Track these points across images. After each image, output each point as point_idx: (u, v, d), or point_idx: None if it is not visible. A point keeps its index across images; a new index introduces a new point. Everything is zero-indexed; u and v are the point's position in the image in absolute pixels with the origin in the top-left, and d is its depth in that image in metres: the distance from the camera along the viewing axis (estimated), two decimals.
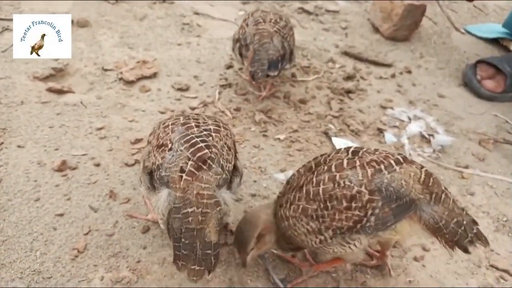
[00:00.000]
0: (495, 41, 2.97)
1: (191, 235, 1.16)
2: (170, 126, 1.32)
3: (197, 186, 1.20)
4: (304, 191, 1.22)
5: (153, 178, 1.27)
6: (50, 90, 2.00)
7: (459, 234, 1.20)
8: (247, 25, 2.06)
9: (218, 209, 1.20)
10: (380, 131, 2.08)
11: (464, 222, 1.21)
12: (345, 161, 1.22)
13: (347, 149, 1.28)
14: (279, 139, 1.95)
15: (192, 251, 1.16)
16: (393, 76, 2.50)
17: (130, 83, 2.11)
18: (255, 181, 1.74)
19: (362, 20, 3.00)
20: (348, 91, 2.30)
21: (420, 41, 2.88)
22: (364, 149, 1.27)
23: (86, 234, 1.45)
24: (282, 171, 1.79)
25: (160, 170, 1.24)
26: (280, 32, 2.01)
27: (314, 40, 2.73)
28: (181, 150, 1.24)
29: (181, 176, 1.20)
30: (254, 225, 1.28)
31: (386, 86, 2.41)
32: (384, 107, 2.24)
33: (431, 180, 1.21)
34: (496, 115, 2.33)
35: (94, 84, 2.09)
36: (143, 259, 1.39)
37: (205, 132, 1.30)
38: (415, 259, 1.51)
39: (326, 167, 1.23)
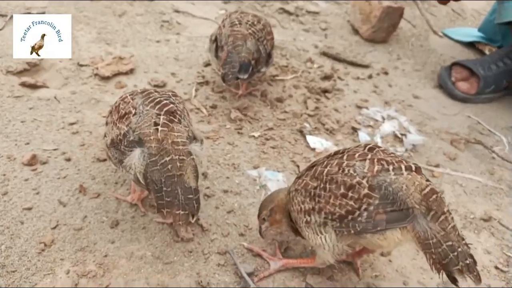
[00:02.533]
0: (471, 45, 3.04)
1: (172, 182, 1.23)
2: (129, 97, 1.41)
3: (171, 135, 1.28)
4: (313, 169, 1.29)
5: (120, 149, 1.32)
6: (23, 84, 1.98)
7: (448, 258, 1.14)
8: (223, 26, 2.06)
9: (191, 157, 1.29)
10: (354, 130, 2.11)
11: (459, 250, 1.15)
12: (358, 153, 1.25)
13: (366, 144, 1.31)
14: (254, 136, 1.97)
15: (174, 197, 1.22)
16: (370, 77, 2.54)
17: (105, 79, 2.10)
18: (227, 178, 1.74)
19: (342, 22, 3.04)
20: (325, 91, 2.33)
21: (398, 43, 2.93)
22: (383, 149, 1.29)
23: (54, 228, 1.44)
24: (255, 168, 1.81)
25: (128, 136, 1.29)
26: (255, 35, 1.99)
27: (294, 40, 2.75)
28: (147, 110, 1.32)
29: (157, 129, 1.27)
30: (270, 200, 1.42)
31: (362, 87, 2.45)
32: (359, 107, 2.28)
33: (434, 196, 1.17)
34: (469, 116, 2.38)
35: (69, 79, 2.07)
36: (110, 254, 1.39)
37: (165, 96, 1.40)
38: (382, 254, 1.54)
39: (340, 155, 1.28)
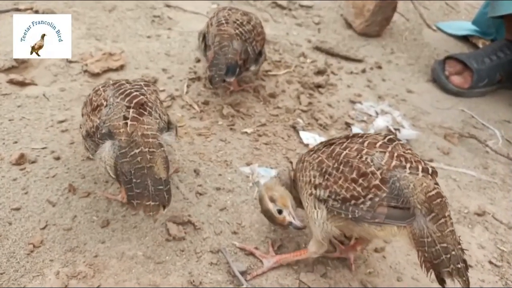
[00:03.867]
0: (465, 38, 3.03)
1: (142, 174, 1.23)
2: (101, 89, 1.42)
3: (141, 128, 1.29)
4: (331, 148, 1.30)
5: (94, 141, 1.33)
6: (11, 82, 1.94)
7: (440, 259, 1.14)
8: (211, 24, 2.01)
9: (162, 149, 1.29)
10: (348, 125, 2.09)
11: (453, 253, 1.15)
12: (379, 143, 1.25)
13: (386, 134, 1.31)
14: (246, 132, 1.95)
15: (144, 188, 1.22)
16: (363, 71, 2.52)
17: (95, 75, 2.06)
18: (220, 175, 1.72)
19: (335, 16, 3.01)
20: (318, 86, 2.31)
21: (391, 37, 2.92)
22: (402, 143, 1.29)
23: (43, 228, 1.41)
24: (247, 164, 1.79)
25: (100, 128, 1.30)
26: (242, 36, 1.93)
27: (287, 34, 2.73)
28: (118, 102, 1.33)
29: (126, 123, 1.28)
30: (262, 195, 1.42)
31: (356, 81, 2.43)
32: (353, 102, 2.26)
33: (438, 200, 1.17)
34: (463, 110, 2.38)
35: (58, 76, 2.04)
36: (101, 254, 1.37)
37: (137, 87, 1.41)
38: (376, 250, 1.53)
39: (360, 140, 1.28)
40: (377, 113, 2.19)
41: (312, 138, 1.97)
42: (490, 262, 1.57)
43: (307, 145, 1.94)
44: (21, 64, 2.06)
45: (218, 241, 1.48)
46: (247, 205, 1.62)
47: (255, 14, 2.13)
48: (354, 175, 1.20)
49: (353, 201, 1.19)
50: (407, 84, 2.50)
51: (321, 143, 1.40)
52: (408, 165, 1.19)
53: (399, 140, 1.30)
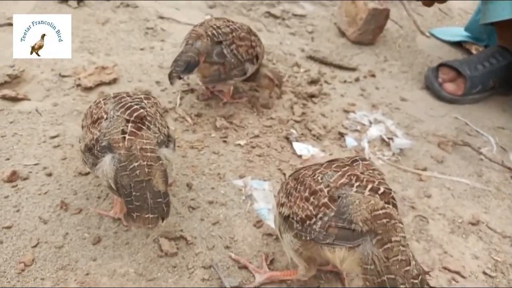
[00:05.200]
0: (458, 45, 3.04)
1: (141, 187, 1.25)
2: (102, 102, 1.43)
3: (140, 142, 1.31)
4: (298, 172, 1.33)
5: (94, 154, 1.34)
6: (4, 97, 1.94)
7: None
8: None
9: (160, 162, 1.31)
10: (341, 135, 2.09)
11: (401, 287, 1.03)
12: (338, 164, 1.26)
13: (354, 156, 1.32)
14: (239, 144, 1.95)
15: (144, 201, 1.24)
16: (357, 80, 2.52)
17: (88, 89, 2.07)
18: (213, 188, 1.72)
19: (329, 24, 3.02)
20: (312, 95, 2.31)
21: (385, 44, 2.93)
22: (367, 163, 1.27)
23: (34, 246, 1.41)
24: (241, 177, 1.78)
25: (100, 141, 1.32)
26: (214, 37, 1.90)
27: (280, 44, 2.73)
28: (118, 115, 1.35)
29: (124, 137, 1.30)
30: None
31: (349, 90, 2.44)
32: (346, 111, 2.26)
33: (384, 221, 1.08)
34: (457, 118, 2.38)
35: (51, 91, 2.04)
36: (92, 271, 1.36)
37: (137, 100, 1.43)
38: None
39: (325, 163, 1.29)
40: (370, 123, 2.19)
41: (305, 149, 1.97)
42: (484, 273, 1.56)
43: (300, 156, 1.94)
44: (14, 79, 2.06)
45: (211, 256, 1.47)
46: (240, 218, 1.62)
47: (246, 24, 2.11)
48: (306, 193, 1.19)
49: (307, 221, 1.17)
50: (401, 92, 2.50)
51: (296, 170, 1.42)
52: (356, 184, 1.15)
53: (364, 160, 1.28)
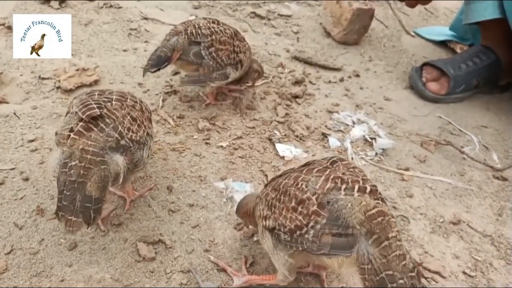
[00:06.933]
0: (443, 44, 3.05)
1: (72, 187, 1.22)
2: (78, 97, 1.43)
3: (83, 142, 1.28)
4: (276, 180, 1.29)
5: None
6: None
7: None
8: None
9: (102, 167, 1.26)
10: (325, 136, 2.09)
11: (400, 281, 1.05)
12: (318, 168, 1.22)
13: (332, 157, 1.28)
14: (221, 146, 1.93)
15: (71, 202, 1.21)
16: (341, 80, 2.52)
17: (68, 91, 2.04)
18: (193, 191, 1.71)
19: (314, 25, 3.02)
20: (296, 96, 2.30)
21: (370, 44, 2.93)
22: (346, 162, 1.25)
23: (8, 253, 1.38)
24: (222, 179, 1.77)
25: (57, 135, 1.33)
26: (192, 37, 1.89)
27: (266, 44, 2.72)
28: (75, 112, 1.33)
29: (69, 135, 1.28)
30: (243, 203, 1.47)
31: (334, 90, 2.43)
32: (330, 112, 2.26)
33: (379, 219, 1.09)
34: (440, 117, 2.38)
35: (30, 94, 2.01)
36: (67, 278, 1.34)
37: (104, 99, 1.39)
38: None
39: (303, 168, 1.26)
40: (353, 123, 2.19)
41: (288, 150, 1.96)
42: (464, 273, 1.57)
43: (283, 158, 1.93)
44: None
45: (190, 259, 1.46)
46: (220, 221, 1.61)
47: (232, 28, 2.07)
48: (293, 204, 1.16)
49: (298, 232, 1.15)
50: (385, 92, 2.50)
51: (272, 178, 1.38)
52: (343, 186, 1.14)
53: (342, 160, 1.26)
